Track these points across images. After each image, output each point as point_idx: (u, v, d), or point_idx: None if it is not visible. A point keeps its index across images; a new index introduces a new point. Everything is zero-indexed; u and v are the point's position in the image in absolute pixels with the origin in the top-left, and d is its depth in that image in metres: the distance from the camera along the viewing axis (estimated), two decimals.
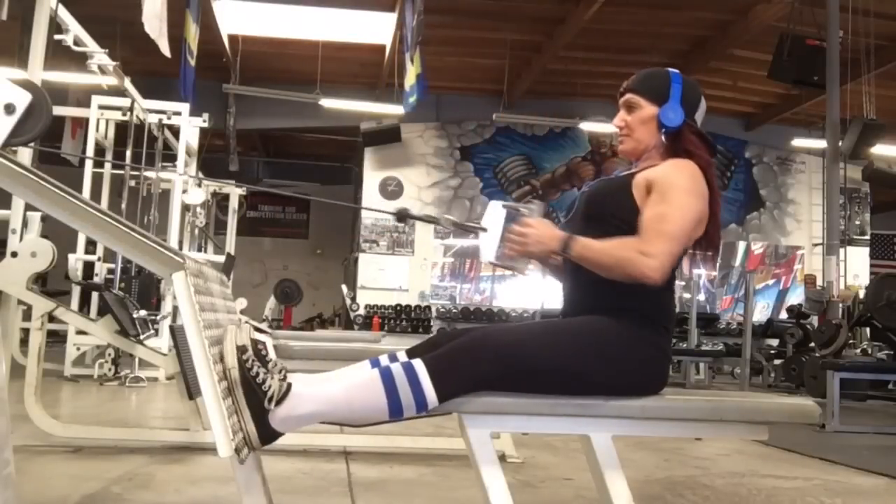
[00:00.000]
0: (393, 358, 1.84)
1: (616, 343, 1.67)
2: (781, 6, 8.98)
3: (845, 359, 6.03)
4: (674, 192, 1.73)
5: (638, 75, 1.92)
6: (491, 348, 1.61)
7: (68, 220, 1.51)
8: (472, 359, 1.59)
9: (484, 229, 1.82)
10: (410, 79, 8.70)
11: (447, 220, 1.90)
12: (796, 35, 8.63)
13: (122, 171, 6.69)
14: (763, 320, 10.79)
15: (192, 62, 7.41)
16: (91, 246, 6.12)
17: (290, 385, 1.54)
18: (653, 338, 1.71)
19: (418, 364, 1.58)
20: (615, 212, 1.78)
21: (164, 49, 6.09)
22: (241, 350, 1.51)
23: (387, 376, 1.58)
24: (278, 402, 1.51)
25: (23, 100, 1.67)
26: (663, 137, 1.85)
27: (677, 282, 1.88)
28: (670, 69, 1.89)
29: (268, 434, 1.52)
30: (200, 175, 7.98)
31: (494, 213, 1.86)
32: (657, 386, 1.74)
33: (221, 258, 7.32)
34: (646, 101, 1.86)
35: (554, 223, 1.79)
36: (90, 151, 6.52)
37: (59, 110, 6.61)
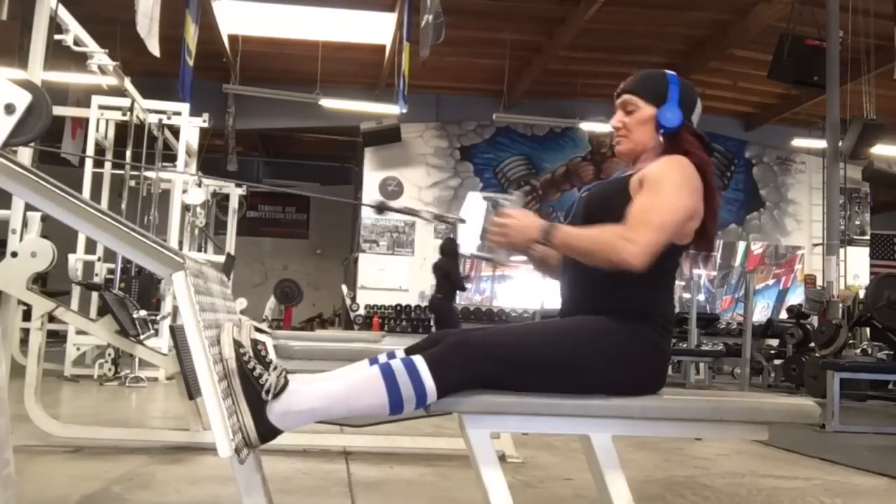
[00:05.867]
0: (391, 356, 1.85)
1: (614, 341, 1.68)
2: (781, 6, 8.98)
3: (845, 359, 6.03)
4: (663, 184, 1.73)
5: (635, 76, 1.93)
6: (488, 342, 1.63)
7: (68, 220, 1.51)
8: (470, 352, 1.60)
9: (463, 221, 1.78)
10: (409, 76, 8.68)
11: (427, 212, 1.87)
12: (796, 35, 8.63)
13: (122, 171, 6.69)
14: (763, 320, 10.77)
15: (191, 62, 7.41)
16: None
17: (287, 380, 1.54)
18: (651, 336, 1.71)
19: (418, 359, 1.60)
20: (614, 214, 1.77)
21: (153, 49, 6.08)
22: (238, 344, 1.51)
23: (387, 371, 1.59)
24: (276, 395, 1.51)
25: (23, 100, 1.67)
26: (661, 138, 1.86)
27: (677, 282, 1.88)
28: (667, 71, 1.91)
29: (266, 430, 1.51)
30: (201, 174, 7.96)
31: (474, 205, 1.82)
32: (655, 385, 1.74)
33: (221, 258, 7.31)
34: (644, 102, 1.87)
35: (550, 220, 1.79)
36: (90, 151, 6.51)
37: (59, 110, 6.61)
